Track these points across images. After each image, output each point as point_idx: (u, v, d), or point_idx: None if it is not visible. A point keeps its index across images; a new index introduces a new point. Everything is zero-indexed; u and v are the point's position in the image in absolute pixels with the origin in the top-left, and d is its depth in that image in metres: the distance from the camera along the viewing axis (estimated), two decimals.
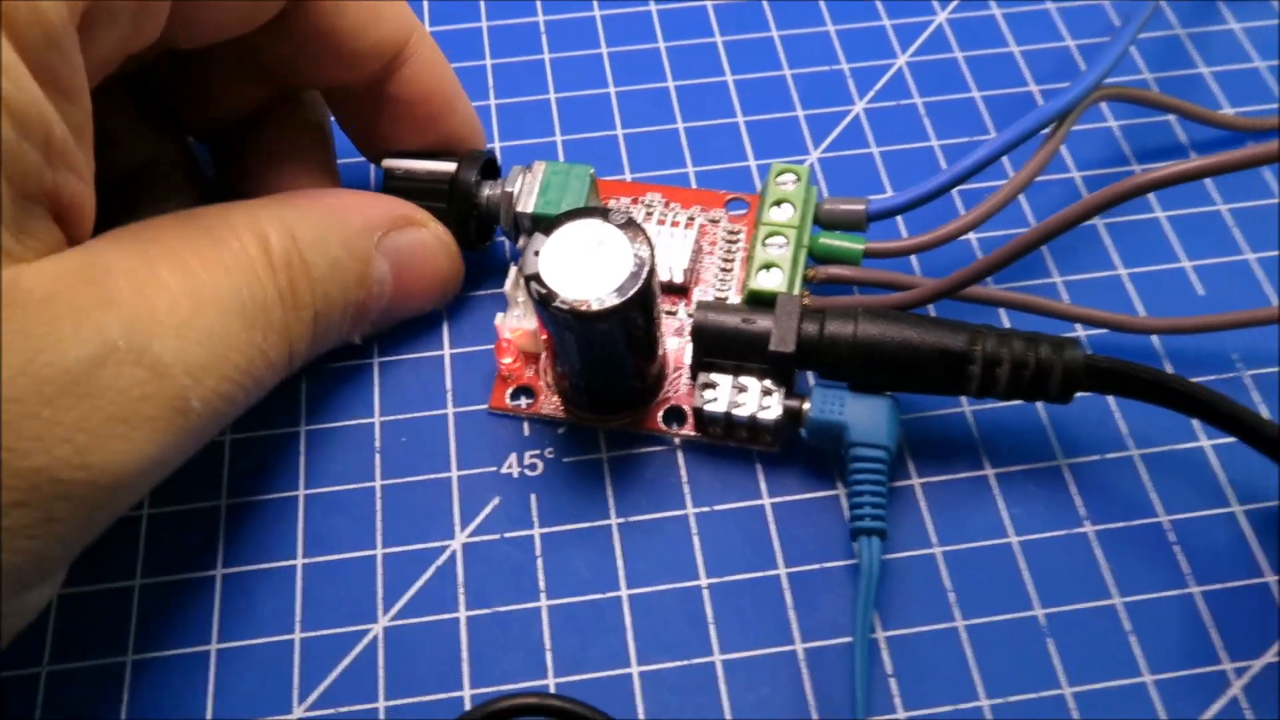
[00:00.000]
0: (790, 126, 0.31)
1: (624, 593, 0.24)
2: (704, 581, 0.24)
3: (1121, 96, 0.29)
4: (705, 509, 0.25)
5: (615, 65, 0.33)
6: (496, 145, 0.31)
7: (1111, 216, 0.29)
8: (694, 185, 0.30)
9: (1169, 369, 0.27)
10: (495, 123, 0.32)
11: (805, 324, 0.24)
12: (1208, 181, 0.30)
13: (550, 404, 0.26)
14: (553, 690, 0.23)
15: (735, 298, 0.27)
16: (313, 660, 0.23)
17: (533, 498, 0.25)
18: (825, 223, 0.27)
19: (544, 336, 0.24)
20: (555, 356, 0.24)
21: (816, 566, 0.24)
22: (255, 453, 0.26)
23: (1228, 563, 0.24)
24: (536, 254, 0.22)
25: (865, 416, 0.24)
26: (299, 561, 0.24)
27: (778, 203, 0.26)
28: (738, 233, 0.28)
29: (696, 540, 0.24)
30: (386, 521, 0.25)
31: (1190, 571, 0.24)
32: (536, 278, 0.22)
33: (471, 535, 0.25)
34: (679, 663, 0.23)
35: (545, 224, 0.23)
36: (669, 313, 0.27)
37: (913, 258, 0.28)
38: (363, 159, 0.29)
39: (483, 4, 0.35)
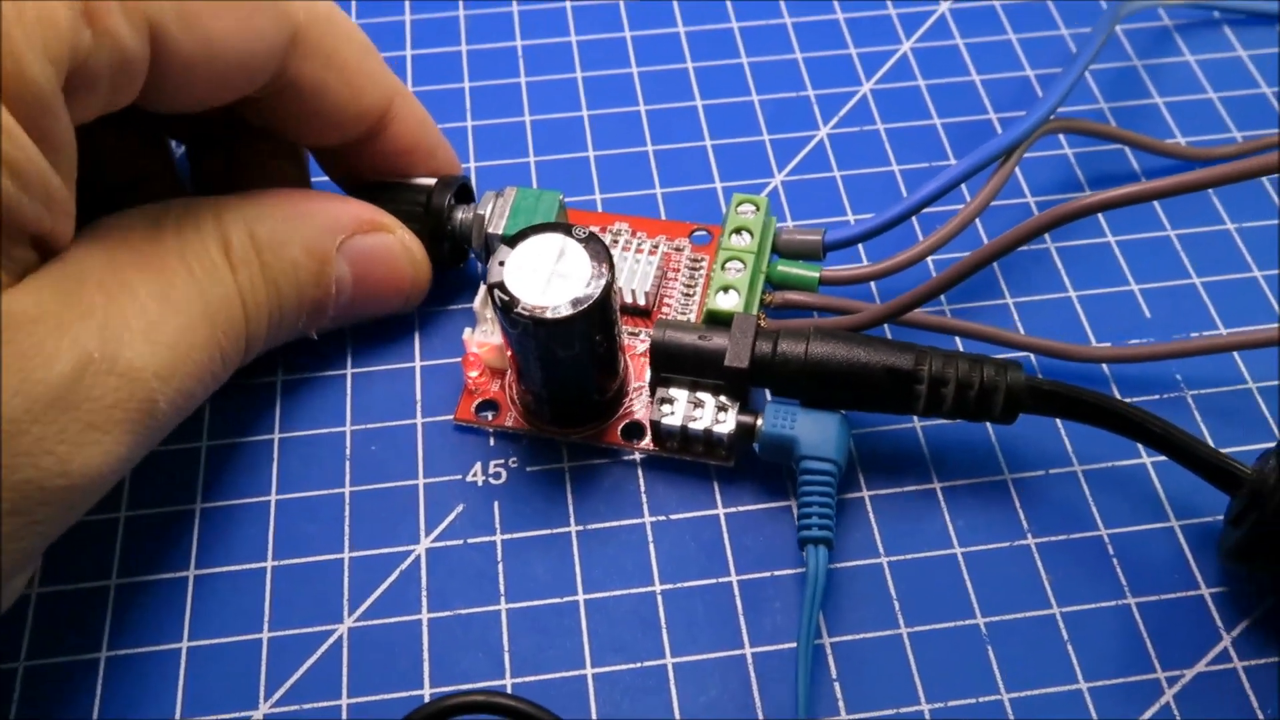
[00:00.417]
0: (756, 150, 0.32)
1: (581, 597, 0.25)
2: (658, 587, 0.25)
3: (1072, 129, 0.30)
4: (661, 518, 0.26)
5: (589, 89, 0.34)
6: (472, 165, 0.32)
7: (1064, 240, 0.30)
8: (661, 206, 0.31)
9: (1115, 390, 0.28)
10: (471, 144, 0.33)
11: (759, 342, 0.25)
12: (1157, 207, 0.31)
13: (514, 418, 0.27)
14: (510, 690, 0.24)
15: (695, 320, 0.28)
16: (279, 659, 0.24)
17: (496, 505, 0.26)
18: (783, 251, 0.28)
19: (509, 354, 0.25)
20: (519, 370, 0.25)
21: (767, 574, 0.25)
22: (230, 459, 0.27)
23: (1164, 575, 0.25)
24: (501, 264, 0.23)
25: (815, 432, 0.25)
26: (269, 564, 0.25)
27: (737, 230, 0.27)
28: (700, 260, 0.29)
29: (652, 548, 0.25)
30: (354, 526, 0.26)
31: (1127, 583, 0.25)
32: (500, 285, 0.23)
33: (436, 540, 0.25)
34: (632, 665, 0.24)
35: (510, 236, 0.24)
36: (631, 334, 0.28)
37: (871, 284, 0.29)
38: None
39: (462, 29, 0.36)
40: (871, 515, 0.26)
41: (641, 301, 0.28)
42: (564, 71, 0.34)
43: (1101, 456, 0.27)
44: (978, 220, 0.29)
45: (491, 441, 0.27)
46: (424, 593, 0.25)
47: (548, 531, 0.26)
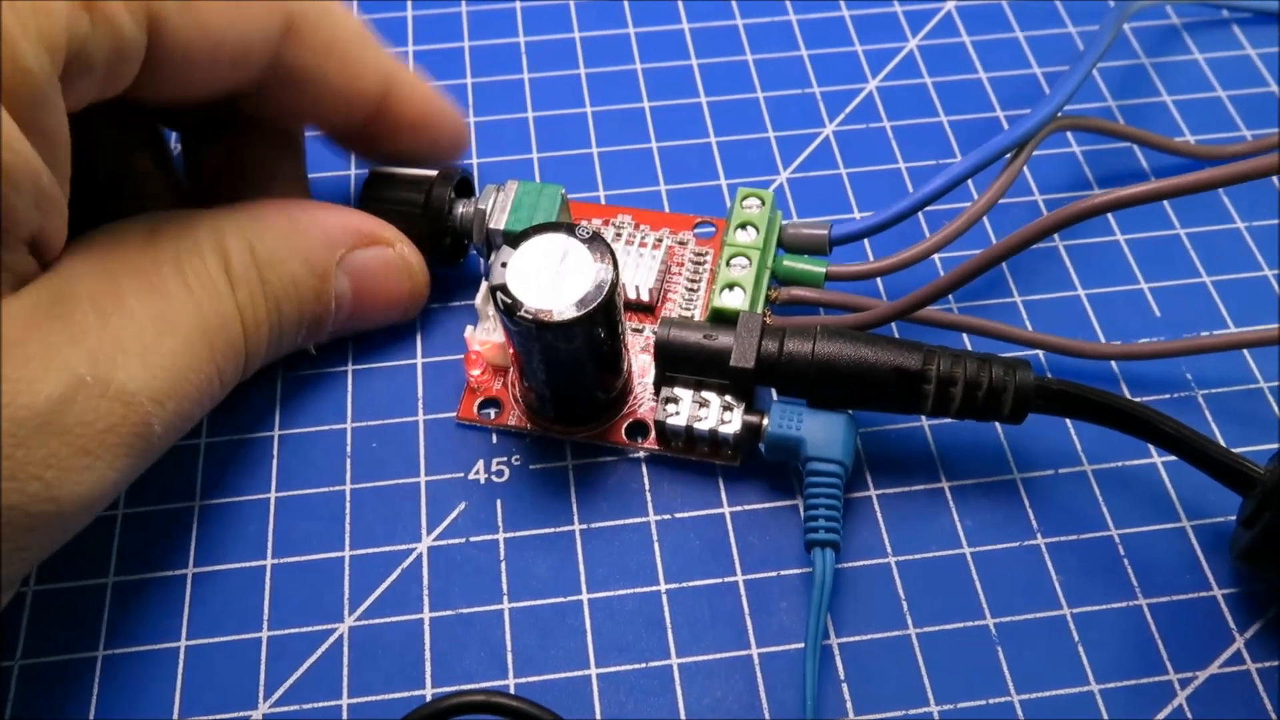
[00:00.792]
0: (761, 147, 0.32)
1: (585, 596, 0.24)
2: (663, 587, 0.25)
3: (1080, 126, 0.30)
4: (666, 516, 0.25)
5: (592, 85, 0.34)
6: (474, 161, 0.32)
7: (1072, 239, 0.30)
8: (666, 203, 0.31)
9: (1125, 389, 0.27)
10: (474, 139, 0.32)
11: (765, 341, 0.25)
12: (1166, 206, 0.31)
13: (517, 416, 0.26)
14: (512, 690, 0.23)
15: (700, 317, 0.27)
16: (279, 658, 0.24)
17: (498, 503, 0.26)
18: (789, 246, 0.27)
19: (511, 351, 0.25)
20: (521, 369, 0.25)
21: (773, 574, 0.25)
22: (229, 456, 0.26)
23: (1176, 576, 0.25)
24: (503, 266, 0.23)
25: (822, 432, 0.24)
26: (268, 562, 0.25)
27: (742, 225, 0.27)
28: (704, 254, 0.28)
29: (657, 547, 0.25)
30: (355, 524, 0.25)
31: (1139, 584, 0.24)
32: (503, 288, 0.23)
33: (438, 539, 0.25)
34: (637, 665, 0.24)
35: (512, 237, 0.24)
36: (636, 330, 0.28)
37: (877, 280, 0.29)
38: (337, 173, 0.30)
39: (465, 25, 0.35)
40: (879, 515, 0.25)
41: (645, 298, 0.27)
42: (567, 68, 0.34)
43: (1112, 456, 0.26)
44: (985, 218, 0.29)
45: (494, 439, 0.27)
46: (425, 591, 0.24)
47: (551, 530, 0.25)
